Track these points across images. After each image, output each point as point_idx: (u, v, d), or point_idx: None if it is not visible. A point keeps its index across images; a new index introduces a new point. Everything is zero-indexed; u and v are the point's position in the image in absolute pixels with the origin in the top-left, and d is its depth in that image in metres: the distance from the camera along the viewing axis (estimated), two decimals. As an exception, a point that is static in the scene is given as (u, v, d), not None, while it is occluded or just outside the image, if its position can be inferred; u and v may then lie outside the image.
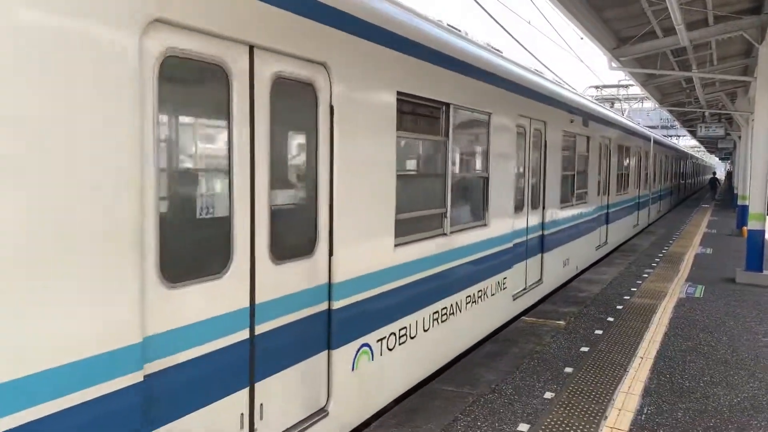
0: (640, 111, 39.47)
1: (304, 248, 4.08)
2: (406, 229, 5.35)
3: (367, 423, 4.92)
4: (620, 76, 29.13)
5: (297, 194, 4.14)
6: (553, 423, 4.98)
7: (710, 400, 5.54)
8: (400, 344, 5.27)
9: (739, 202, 20.68)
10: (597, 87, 33.66)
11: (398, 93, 5.02)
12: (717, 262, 13.30)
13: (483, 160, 7.09)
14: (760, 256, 11.28)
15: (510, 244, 7.81)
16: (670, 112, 27.97)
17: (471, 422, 4.98)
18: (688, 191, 43.84)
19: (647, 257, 13.99)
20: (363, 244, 4.63)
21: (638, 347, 7.05)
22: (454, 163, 6.24)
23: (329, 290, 4.30)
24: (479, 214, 7.02)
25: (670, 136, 48.86)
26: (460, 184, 6.53)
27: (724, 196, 42.24)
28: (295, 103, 4.03)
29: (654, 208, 23.27)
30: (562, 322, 8.04)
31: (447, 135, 6.05)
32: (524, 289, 8.63)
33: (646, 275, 11.68)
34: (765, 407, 5.40)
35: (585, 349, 6.96)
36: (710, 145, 46.68)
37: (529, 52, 14.33)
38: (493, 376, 6.03)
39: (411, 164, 6.04)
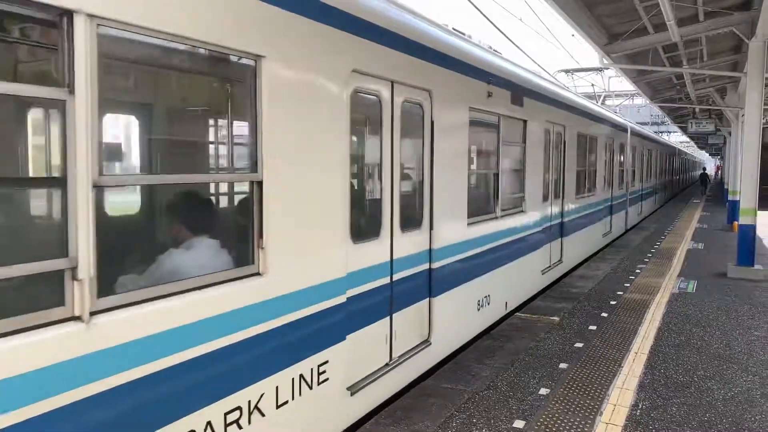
0: (631, 107, 39.57)
1: None
2: None
3: (361, 422, 4.90)
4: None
5: None
6: (548, 419, 4.98)
7: (704, 395, 5.56)
8: None
9: (730, 197, 20.83)
10: (567, 71, 27.20)
11: None
12: (709, 257, 13.37)
13: (250, 149, 3.73)
14: (751, 250, 11.35)
15: (340, 298, 4.48)
16: (661, 108, 28.12)
17: (467, 419, 4.97)
18: (675, 189, 41.02)
19: (639, 253, 14.04)
20: None
21: (632, 342, 7.07)
22: (116, 155, 3.37)
23: None
24: (240, 253, 3.73)
25: (662, 132, 49.17)
26: (151, 197, 3.90)
27: (715, 192, 42.48)
28: None
29: (633, 211, 19.89)
30: (555, 318, 8.05)
31: (71, 87, 2.60)
32: (387, 364, 5.23)
33: (638, 271, 11.72)
34: (758, 401, 5.43)
35: (579, 344, 6.97)
36: (701, 140, 47.01)
37: (511, 41, 14.32)
38: (488, 373, 6.02)
39: None
